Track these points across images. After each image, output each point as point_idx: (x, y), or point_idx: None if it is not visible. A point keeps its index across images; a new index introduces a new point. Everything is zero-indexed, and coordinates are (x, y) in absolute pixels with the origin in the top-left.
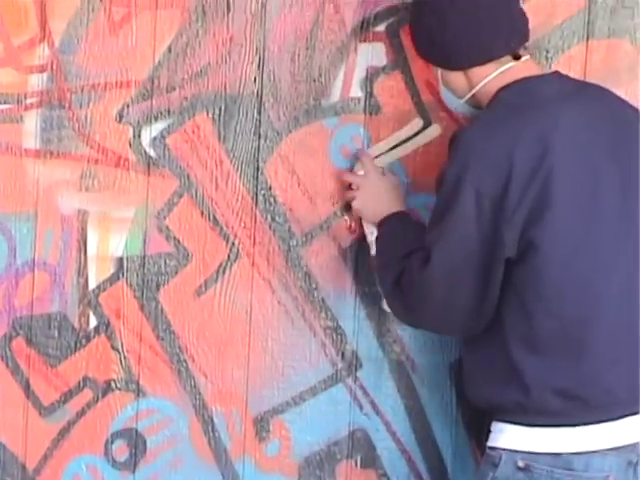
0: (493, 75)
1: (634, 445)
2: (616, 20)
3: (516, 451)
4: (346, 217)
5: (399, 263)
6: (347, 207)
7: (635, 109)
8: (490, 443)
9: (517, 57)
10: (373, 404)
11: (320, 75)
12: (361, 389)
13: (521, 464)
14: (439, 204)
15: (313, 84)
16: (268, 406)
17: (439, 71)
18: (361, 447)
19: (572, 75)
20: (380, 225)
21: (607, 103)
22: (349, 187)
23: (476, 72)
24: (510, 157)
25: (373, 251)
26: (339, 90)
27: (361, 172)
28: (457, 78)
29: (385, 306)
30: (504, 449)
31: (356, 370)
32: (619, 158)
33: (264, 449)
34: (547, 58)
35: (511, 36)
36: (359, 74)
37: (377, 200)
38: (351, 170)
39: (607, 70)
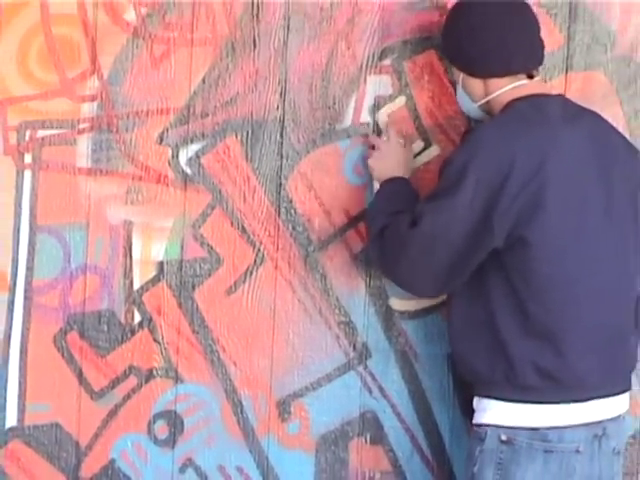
0: (508, 87)
1: (600, 422)
2: (591, 55)
3: (499, 426)
4: (357, 226)
5: (387, 217)
6: (359, 220)
7: (620, 135)
8: (476, 420)
9: (531, 76)
10: (381, 389)
11: (334, 103)
12: (370, 376)
13: (504, 437)
14: (442, 183)
15: (328, 111)
16: (289, 390)
17: (461, 75)
18: (370, 426)
19: None
20: (382, 183)
21: (600, 128)
22: (372, 148)
23: (494, 82)
24: (512, 159)
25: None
26: (351, 116)
27: (385, 138)
28: (476, 84)
29: (392, 303)
30: (488, 425)
31: (366, 359)
32: (605, 175)
33: (286, 428)
34: None
35: (529, 57)
36: (368, 102)
37: (388, 163)
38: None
39: (584, 98)
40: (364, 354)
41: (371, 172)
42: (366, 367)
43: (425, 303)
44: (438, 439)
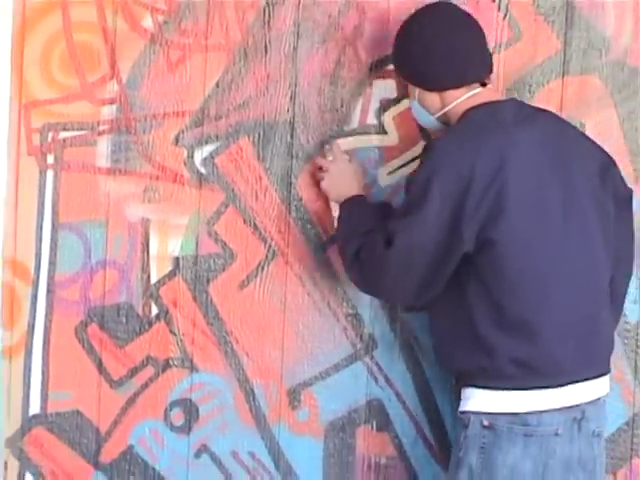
0: (463, 98)
1: (578, 405)
2: (587, 60)
3: (481, 413)
4: None
5: (359, 238)
6: None
7: (576, 130)
8: (460, 408)
9: (483, 84)
10: (386, 378)
11: (342, 106)
12: (376, 366)
13: (486, 423)
14: (408, 199)
15: (336, 113)
16: (299, 380)
17: (417, 91)
18: (376, 414)
19: (550, 105)
20: (341, 205)
21: (555, 127)
22: (320, 170)
23: (449, 94)
24: (472, 168)
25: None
26: (358, 118)
27: (330, 158)
28: (432, 98)
29: None
30: (471, 412)
31: (372, 350)
32: (562, 171)
33: (296, 415)
34: (530, 91)
35: (480, 66)
36: (374, 105)
37: (341, 183)
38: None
39: (580, 101)
40: (370, 345)
41: (327, 195)
42: (372, 357)
43: None
44: (441, 426)
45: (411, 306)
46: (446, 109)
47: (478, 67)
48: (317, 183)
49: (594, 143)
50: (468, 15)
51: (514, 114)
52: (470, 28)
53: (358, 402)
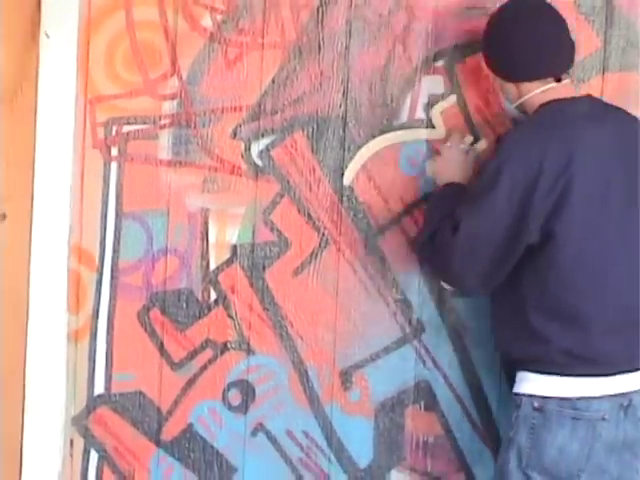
0: (537, 91)
1: (625, 394)
2: (626, 57)
3: (533, 395)
4: (412, 213)
5: (438, 222)
6: (413, 207)
7: None
8: (514, 390)
9: (559, 80)
10: (434, 360)
11: (392, 101)
12: (424, 349)
13: (536, 405)
14: (478, 186)
15: (386, 108)
16: (351, 362)
17: (497, 80)
18: (424, 395)
19: None
20: (439, 187)
21: (624, 124)
22: (437, 153)
23: (525, 86)
24: (541, 161)
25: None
26: (407, 112)
27: (448, 144)
28: (510, 88)
29: (443, 283)
30: (524, 394)
31: (420, 334)
32: (629, 169)
33: (348, 396)
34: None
35: (556, 63)
36: (422, 100)
37: (448, 168)
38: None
39: (619, 97)
40: (419, 329)
41: (432, 175)
42: (420, 341)
43: None
44: (486, 406)
45: (477, 292)
46: (522, 99)
47: (553, 62)
48: (370, 175)
49: None
50: (553, 10)
51: (586, 111)
52: (550, 22)
53: (407, 383)
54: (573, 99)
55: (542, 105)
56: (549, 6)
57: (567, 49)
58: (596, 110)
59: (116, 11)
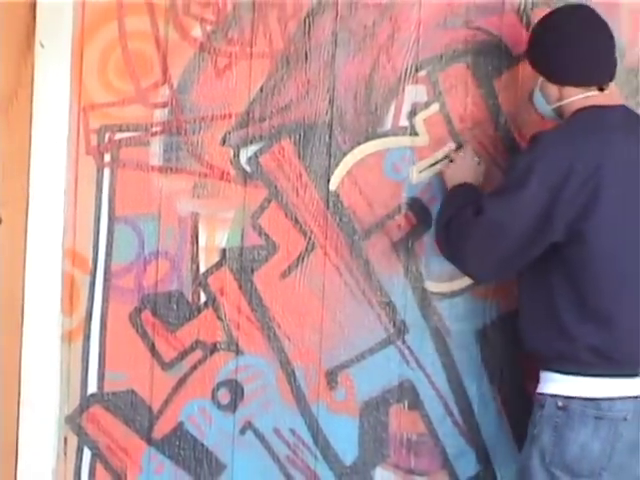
0: (579, 97)
1: None
2: None
3: (557, 395)
4: (396, 218)
5: (455, 210)
6: (398, 211)
7: None
8: (538, 390)
9: (601, 89)
10: (417, 361)
11: (376, 109)
12: (408, 349)
13: (560, 404)
14: (506, 181)
15: (371, 116)
16: (337, 362)
17: (540, 79)
18: (408, 394)
19: None
20: (452, 187)
21: None
22: (451, 161)
23: (568, 90)
24: (572, 163)
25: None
26: (391, 120)
27: (461, 154)
28: (552, 89)
29: (427, 285)
30: (548, 394)
31: (404, 335)
32: None
33: (334, 395)
34: None
35: (603, 72)
36: (406, 108)
37: (461, 176)
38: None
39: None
40: (402, 330)
41: (445, 181)
42: (404, 342)
43: (456, 285)
44: (467, 405)
45: (484, 279)
46: (561, 103)
47: (601, 72)
48: (355, 181)
49: None
50: (604, 21)
51: (620, 120)
52: (603, 33)
53: (391, 383)
54: (609, 107)
55: (577, 111)
56: (599, 16)
57: (614, 61)
58: (629, 120)
59: (109, 22)
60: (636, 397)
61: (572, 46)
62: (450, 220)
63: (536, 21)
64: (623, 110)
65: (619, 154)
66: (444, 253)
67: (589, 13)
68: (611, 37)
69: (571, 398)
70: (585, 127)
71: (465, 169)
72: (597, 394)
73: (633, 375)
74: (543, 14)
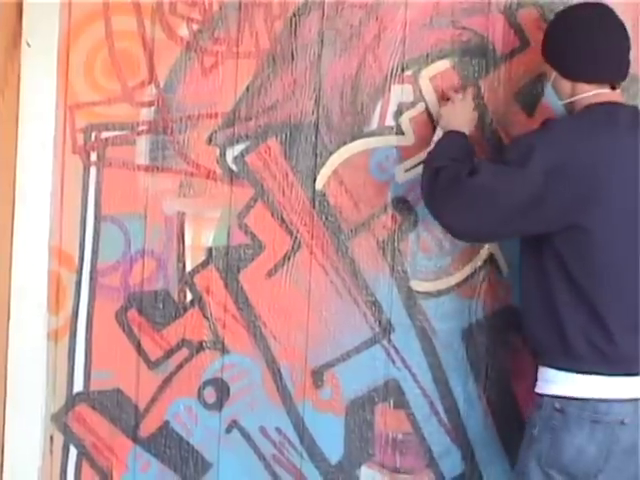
0: (591, 93)
1: None
2: None
3: (554, 396)
4: (382, 217)
5: (446, 161)
6: (384, 210)
7: None
8: (536, 390)
9: (613, 87)
10: (403, 360)
11: (362, 109)
12: (394, 348)
13: (557, 406)
14: (508, 154)
15: (357, 116)
16: (322, 361)
17: (554, 74)
18: (394, 393)
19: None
20: (445, 133)
21: None
22: (445, 99)
23: (581, 86)
24: (573, 153)
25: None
26: (377, 120)
27: (460, 96)
28: (565, 84)
29: (413, 285)
30: (546, 395)
31: (390, 334)
32: None
33: (320, 394)
34: (536, 95)
35: (617, 71)
36: (392, 108)
37: (457, 116)
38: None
39: None
40: (388, 329)
41: (438, 119)
42: (390, 341)
43: (442, 285)
44: (453, 404)
45: (463, 238)
46: (573, 98)
47: (614, 70)
48: (341, 180)
49: None
50: (620, 20)
51: (628, 119)
52: (618, 32)
53: (377, 382)
54: (620, 105)
55: (590, 105)
56: (616, 15)
57: (628, 61)
58: (637, 119)
59: (95, 21)
60: (635, 400)
61: (587, 43)
62: (440, 169)
63: (553, 15)
64: (632, 109)
65: (623, 153)
66: (424, 197)
67: (606, 11)
68: (627, 37)
69: (568, 400)
70: (593, 121)
71: (461, 112)
72: (595, 394)
73: (632, 374)
74: (532, 14)
